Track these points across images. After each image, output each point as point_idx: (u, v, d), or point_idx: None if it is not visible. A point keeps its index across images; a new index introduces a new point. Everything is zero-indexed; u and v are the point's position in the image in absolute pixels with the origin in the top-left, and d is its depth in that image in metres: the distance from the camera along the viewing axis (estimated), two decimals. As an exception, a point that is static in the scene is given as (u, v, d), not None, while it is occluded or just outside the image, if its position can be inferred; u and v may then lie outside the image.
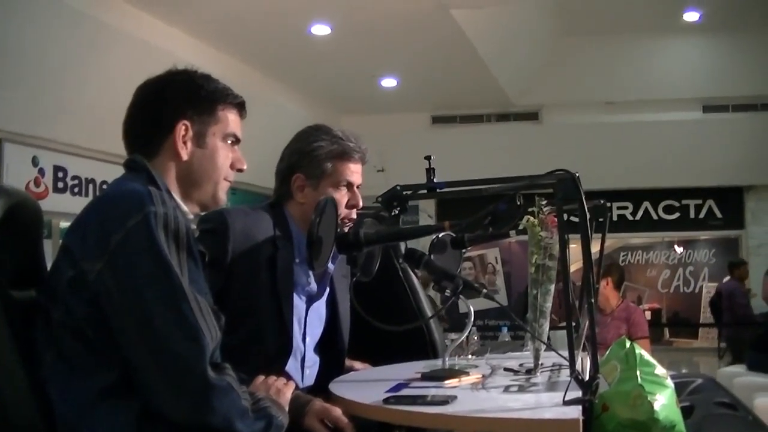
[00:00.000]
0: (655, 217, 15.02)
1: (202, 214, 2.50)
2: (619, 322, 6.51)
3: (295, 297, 2.86)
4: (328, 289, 3.02)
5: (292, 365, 2.84)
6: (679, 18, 12.29)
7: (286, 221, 2.92)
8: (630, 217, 14.95)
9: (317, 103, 12.35)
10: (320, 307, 3.00)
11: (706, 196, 14.78)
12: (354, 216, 2.97)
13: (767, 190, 14.51)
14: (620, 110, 13.52)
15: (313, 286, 2.93)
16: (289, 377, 2.73)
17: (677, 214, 14.97)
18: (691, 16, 12.24)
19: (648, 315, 12.32)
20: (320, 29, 9.72)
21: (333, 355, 3.04)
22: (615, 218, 14.54)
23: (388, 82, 12.27)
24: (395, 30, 9.72)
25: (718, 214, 14.85)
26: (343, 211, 2.89)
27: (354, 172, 2.96)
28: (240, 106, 2.34)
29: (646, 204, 14.97)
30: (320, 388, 2.87)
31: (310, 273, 2.89)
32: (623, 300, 6.93)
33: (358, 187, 2.99)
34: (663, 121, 13.37)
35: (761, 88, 12.99)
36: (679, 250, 15.34)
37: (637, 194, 14.70)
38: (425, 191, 2.63)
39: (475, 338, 3.14)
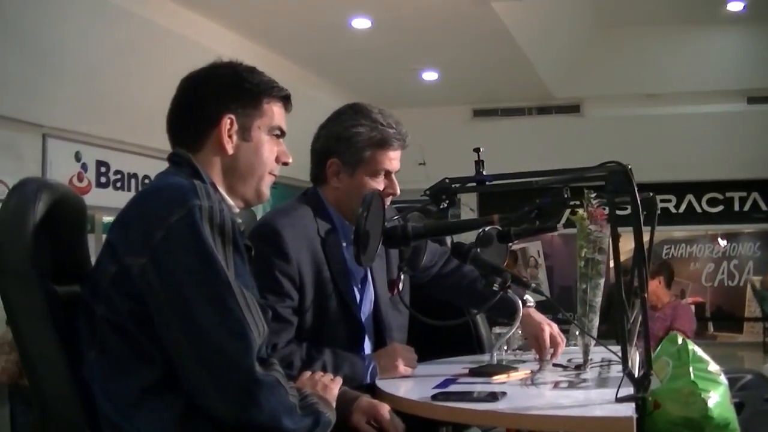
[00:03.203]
0: (698, 210, 14.83)
1: (253, 228, 2.48)
2: (666, 316, 6.50)
3: (351, 283, 2.85)
4: (369, 270, 2.98)
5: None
6: (722, 8, 12.12)
7: (324, 206, 2.88)
8: (673, 210, 14.76)
9: (357, 97, 12.21)
10: (369, 288, 2.97)
11: (751, 189, 14.57)
12: (388, 203, 2.90)
13: (813, 183, 14.28)
14: (662, 102, 13.38)
15: (361, 269, 2.88)
16: None
17: (721, 207, 14.77)
18: (735, 6, 12.06)
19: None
20: (361, 23, 9.69)
21: (377, 335, 3.01)
22: (658, 211, 14.32)
23: (429, 76, 12.23)
24: (436, 23, 9.67)
25: (763, 207, 14.63)
26: None
27: (393, 159, 2.88)
28: (285, 99, 2.31)
29: (690, 197, 14.78)
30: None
31: None
32: (674, 298, 6.95)
33: (396, 173, 2.92)
34: (706, 113, 13.22)
35: (807, 79, 12.78)
36: (723, 243, 15.18)
37: (680, 187, 14.50)
38: (474, 184, 2.58)
39: (520, 333, 3.10)
